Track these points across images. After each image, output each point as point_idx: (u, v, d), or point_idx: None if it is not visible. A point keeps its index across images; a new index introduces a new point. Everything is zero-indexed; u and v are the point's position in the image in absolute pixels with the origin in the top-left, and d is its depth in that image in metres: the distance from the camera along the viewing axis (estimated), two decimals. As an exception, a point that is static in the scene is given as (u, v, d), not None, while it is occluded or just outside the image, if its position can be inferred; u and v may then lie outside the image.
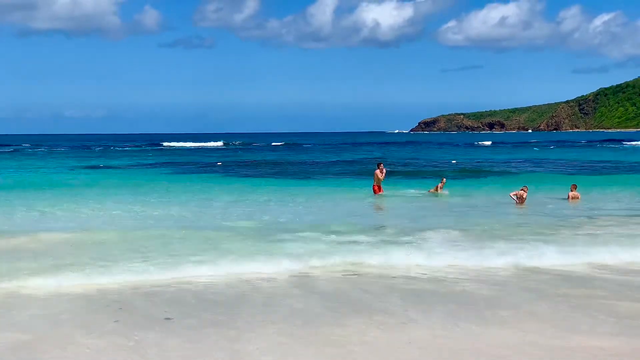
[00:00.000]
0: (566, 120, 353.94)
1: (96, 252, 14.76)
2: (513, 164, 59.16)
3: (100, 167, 54.79)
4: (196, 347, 8.68)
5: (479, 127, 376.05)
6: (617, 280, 12.73)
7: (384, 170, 30.44)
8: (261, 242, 16.21)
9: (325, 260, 13.86)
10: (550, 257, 14.41)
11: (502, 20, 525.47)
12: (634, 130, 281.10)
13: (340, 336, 9.11)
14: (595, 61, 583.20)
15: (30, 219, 21.43)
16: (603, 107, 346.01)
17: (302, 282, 12.42)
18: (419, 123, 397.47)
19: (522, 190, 26.39)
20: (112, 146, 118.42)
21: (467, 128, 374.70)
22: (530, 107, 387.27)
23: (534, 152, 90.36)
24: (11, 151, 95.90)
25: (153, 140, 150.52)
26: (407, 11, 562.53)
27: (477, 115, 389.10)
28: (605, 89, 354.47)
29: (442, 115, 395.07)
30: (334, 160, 68.51)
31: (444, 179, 30.87)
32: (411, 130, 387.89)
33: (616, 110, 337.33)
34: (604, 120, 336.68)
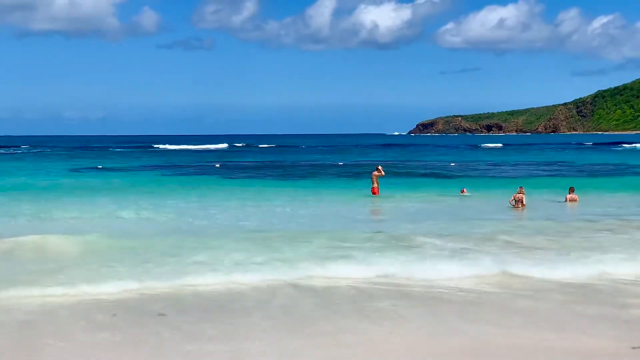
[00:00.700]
0: (564, 123, 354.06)
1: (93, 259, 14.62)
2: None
3: (99, 169, 54.82)
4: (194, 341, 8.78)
5: (477, 129, 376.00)
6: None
7: (382, 173, 30.52)
8: (257, 246, 16.00)
9: (323, 268, 13.58)
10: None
11: (501, 23, 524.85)
12: (632, 132, 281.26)
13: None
14: (594, 63, 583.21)
15: (30, 222, 21.42)
16: (601, 110, 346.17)
17: (297, 286, 12.48)
18: (417, 125, 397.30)
19: (519, 192, 26.33)
20: (110, 147, 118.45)
21: (465, 130, 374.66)
22: (528, 110, 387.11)
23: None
24: (10, 153, 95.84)
25: (152, 142, 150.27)
26: (406, 13, 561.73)
27: (475, 118, 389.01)
28: (603, 91, 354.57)
29: (440, 117, 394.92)
30: (332, 162, 68.58)
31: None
32: (409, 132, 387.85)
33: (614, 112, 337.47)
34: (601, 122, 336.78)
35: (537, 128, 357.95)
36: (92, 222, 21.22)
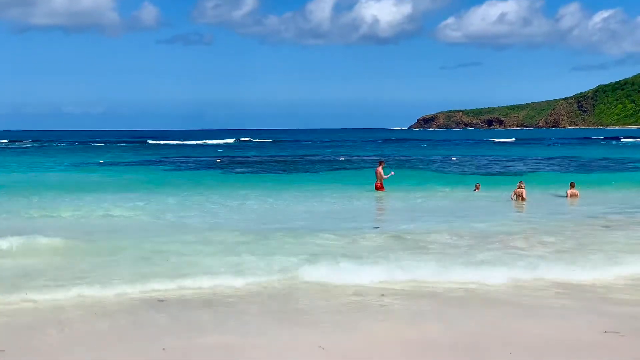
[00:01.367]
0: (565, 117, 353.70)
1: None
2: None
3: (101, 164, 54.80)
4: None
5: (477, 123, 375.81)
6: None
7: (385, 176, 30.33)
8: (257, 245, 15.79)
9: (326, 267, 13.13)
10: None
11: (501, 17, 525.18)
12: (633, 127, 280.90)
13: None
14: (594, 58, 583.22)
15: (28, 222, 21.39)
16: (602, 104, 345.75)
17: (295, 285, 12.47)
18: (418, 120, 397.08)
19: (519, 187, 26.49)
20: (110, 142, 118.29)
21: (465, 125, 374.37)
22: (529, 104, 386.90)
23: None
24: (9, 148, 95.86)
25: (152, 137, 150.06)
26: (406, 8, 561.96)
27: (476, 112, 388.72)
28: (604, 86, 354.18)
29: (441, 112, 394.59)
30: (333, 157, 68.48)
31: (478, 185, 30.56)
32: (410, 127, 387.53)
33: (615, 107, 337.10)
34: (602, 117, 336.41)
35: (538, 123, 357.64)
36: (86, 220, 20.83)
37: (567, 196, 27.26)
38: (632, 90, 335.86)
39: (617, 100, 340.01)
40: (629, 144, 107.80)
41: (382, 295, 11.44)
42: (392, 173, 30.59)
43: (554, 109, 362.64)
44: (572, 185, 27.64)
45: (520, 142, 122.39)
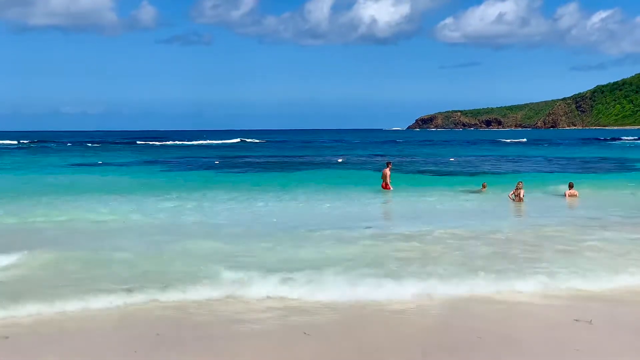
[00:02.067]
0: (563, 118, 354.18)
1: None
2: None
3: (100, 165, 54.71)
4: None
5: (476, 124, 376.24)
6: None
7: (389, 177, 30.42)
8: (263, 250, 15.42)
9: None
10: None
11: (500, 17, 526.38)
12: (631, 127, 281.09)
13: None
14: (593, 58, 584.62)
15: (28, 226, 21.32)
16: (600, 105, 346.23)
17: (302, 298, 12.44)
18: (416, 120, 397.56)
19: (517, 188, 26.49)
20: (109, 142, 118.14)
21: (464, 125, 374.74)
22: (527, 104, 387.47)
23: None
24: (7, 148, 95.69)
25: (151, 137, 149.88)
26: (405, 8, 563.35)
27: (474, 113, 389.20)
28: (603, 86, 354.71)
29: (440, 112, 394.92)
30: (333, 157, 68.37)
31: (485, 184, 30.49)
32: (408, 127, 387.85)
33: (613, 107, 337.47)
34: (601, 117, 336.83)
35: (537, 123, 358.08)
36: (78, 224, 20.32)
37: (565, 196, 27.24)
38: (630, 90, 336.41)
39: (615, 100, 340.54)
40: (627, 144, 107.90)
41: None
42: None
43: (552, 109, 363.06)
44: (570, 186, 27.63)
45: (531, 143, 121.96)
